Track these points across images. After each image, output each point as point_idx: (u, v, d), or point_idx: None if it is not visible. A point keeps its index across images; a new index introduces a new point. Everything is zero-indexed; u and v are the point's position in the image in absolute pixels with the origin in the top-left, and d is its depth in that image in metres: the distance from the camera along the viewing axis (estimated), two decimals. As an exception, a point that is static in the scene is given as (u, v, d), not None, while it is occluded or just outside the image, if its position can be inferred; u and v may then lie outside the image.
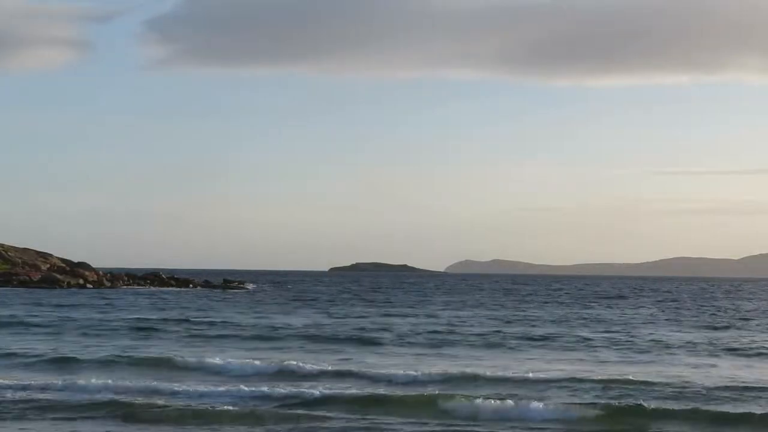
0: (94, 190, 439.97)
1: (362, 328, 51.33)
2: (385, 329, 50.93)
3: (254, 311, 69.38)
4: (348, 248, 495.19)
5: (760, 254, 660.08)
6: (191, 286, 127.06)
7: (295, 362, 33.42)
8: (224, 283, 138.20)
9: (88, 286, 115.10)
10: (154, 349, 39.48)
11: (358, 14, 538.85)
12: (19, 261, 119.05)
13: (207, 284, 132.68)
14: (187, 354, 36.56)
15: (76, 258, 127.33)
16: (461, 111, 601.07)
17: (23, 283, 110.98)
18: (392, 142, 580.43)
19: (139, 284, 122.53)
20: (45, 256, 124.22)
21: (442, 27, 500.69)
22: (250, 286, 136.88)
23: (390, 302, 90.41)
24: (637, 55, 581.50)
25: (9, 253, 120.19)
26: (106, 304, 75.67)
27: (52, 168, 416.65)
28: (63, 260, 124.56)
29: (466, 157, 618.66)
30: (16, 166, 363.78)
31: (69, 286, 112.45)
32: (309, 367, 32.51)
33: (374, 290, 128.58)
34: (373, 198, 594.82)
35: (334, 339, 45.15)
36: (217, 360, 34.09)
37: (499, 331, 50.01)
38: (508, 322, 60.71)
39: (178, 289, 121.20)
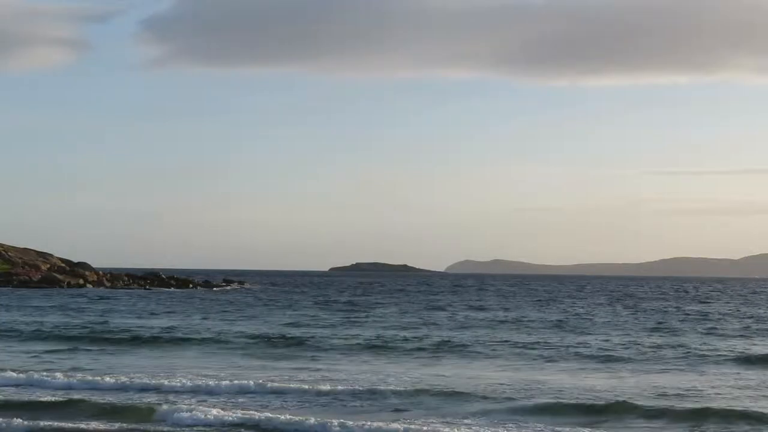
0: (94, 190, 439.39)
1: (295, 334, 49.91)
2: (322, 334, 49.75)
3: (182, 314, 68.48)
4: (348, 248, 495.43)
5: (760, 254, 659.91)
6: (191, 286, 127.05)
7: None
8: (224, 282, 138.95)
9: (88, 285, 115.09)
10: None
11: (358, 15, 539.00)
12: (19, 261, 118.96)
13: (207, 284, 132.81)
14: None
15: (76, 258, 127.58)
16: (461, 111, 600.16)
17: (23, 283, 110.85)
18: (392, 142, 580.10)
19: (138, 284, 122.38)
20: (45, 256, 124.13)
21: (441, 27, 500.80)
22: (247, 285, 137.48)
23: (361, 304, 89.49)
24: (636, 55, 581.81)
25: (9, 253, 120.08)
26: (55, 305, 74.78)
27: (52, 168, 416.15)
28: (63, 260, 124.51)
29: (466, 157, 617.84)
30: (16, 166, 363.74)
31: (69, 286, 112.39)
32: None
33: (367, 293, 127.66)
34: (373, 198, 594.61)
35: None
36: None
37: (425, 336, 48.50)
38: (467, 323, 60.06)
39: (176, 289, 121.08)
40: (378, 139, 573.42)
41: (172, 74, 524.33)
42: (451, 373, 34.08)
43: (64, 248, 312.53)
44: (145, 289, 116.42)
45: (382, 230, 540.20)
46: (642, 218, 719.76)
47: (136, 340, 45.86)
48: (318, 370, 34.89)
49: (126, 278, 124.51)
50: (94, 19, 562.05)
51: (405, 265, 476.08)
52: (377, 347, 43.02)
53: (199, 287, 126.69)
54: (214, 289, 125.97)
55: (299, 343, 44.98)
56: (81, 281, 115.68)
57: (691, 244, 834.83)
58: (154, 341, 45.64)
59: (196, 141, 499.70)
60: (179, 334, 48.71)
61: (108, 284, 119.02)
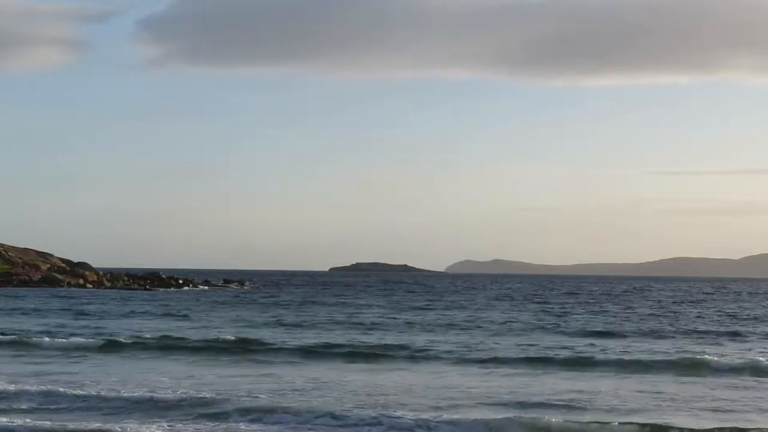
0: (94, 190, 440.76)
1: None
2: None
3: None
4: (348, 248, 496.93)
5: (760, 254, 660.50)
6: (191, 285, 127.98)
7: None
8: (224, 283, 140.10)
9: (89, 286, 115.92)
10: None
11: (358, 15, 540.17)
12: (20, 261, 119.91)
13: (207, 284, 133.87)
14: None
15: (76, 258, 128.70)
16: (461, 111, 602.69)
17: (23, 283, 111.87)
18: (392, 142, 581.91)
19: (138, 284, 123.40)
20: (45, 256, 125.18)
21: (441, 27, 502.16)
22: (247, 285, 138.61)
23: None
24: (636, 55, 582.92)
25: (9, 253, 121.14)
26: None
27: (53, 168, 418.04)
28: (63, 260, 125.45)
29: (466, 157, 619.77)
30: (16, 166, 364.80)
31: (69, 285, 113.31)
32: None
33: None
34: (373, 198, 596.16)
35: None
36: None
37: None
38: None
39: (175, 289, 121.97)
40: (378, 139, 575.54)
41: (171, 74, 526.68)
42: (366, 378, 33.48)
43: (64, 248, 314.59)
44: (145, 289, 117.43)
45: (382, 230, 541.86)
46: (642, 218, 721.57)
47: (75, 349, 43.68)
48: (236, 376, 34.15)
49: (126, 278, 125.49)
50: (94, 19, 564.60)
51: (405, 265, 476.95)
52: (330, 349, 42.96)
53: (193, 286, 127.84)
54: (205, 288, 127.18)
55: (244, 346, 44.22)
56: (81, 281, 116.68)
57: (691, 244, 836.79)
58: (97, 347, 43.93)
59: (196, 141, 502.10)
60: (134, 339, 46.83)
61: (108, 284, 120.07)
